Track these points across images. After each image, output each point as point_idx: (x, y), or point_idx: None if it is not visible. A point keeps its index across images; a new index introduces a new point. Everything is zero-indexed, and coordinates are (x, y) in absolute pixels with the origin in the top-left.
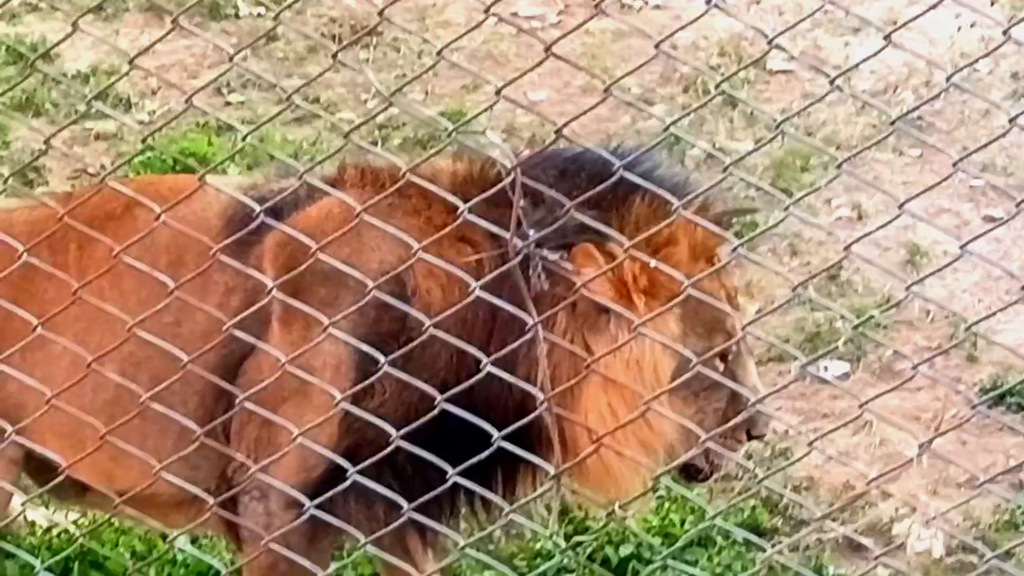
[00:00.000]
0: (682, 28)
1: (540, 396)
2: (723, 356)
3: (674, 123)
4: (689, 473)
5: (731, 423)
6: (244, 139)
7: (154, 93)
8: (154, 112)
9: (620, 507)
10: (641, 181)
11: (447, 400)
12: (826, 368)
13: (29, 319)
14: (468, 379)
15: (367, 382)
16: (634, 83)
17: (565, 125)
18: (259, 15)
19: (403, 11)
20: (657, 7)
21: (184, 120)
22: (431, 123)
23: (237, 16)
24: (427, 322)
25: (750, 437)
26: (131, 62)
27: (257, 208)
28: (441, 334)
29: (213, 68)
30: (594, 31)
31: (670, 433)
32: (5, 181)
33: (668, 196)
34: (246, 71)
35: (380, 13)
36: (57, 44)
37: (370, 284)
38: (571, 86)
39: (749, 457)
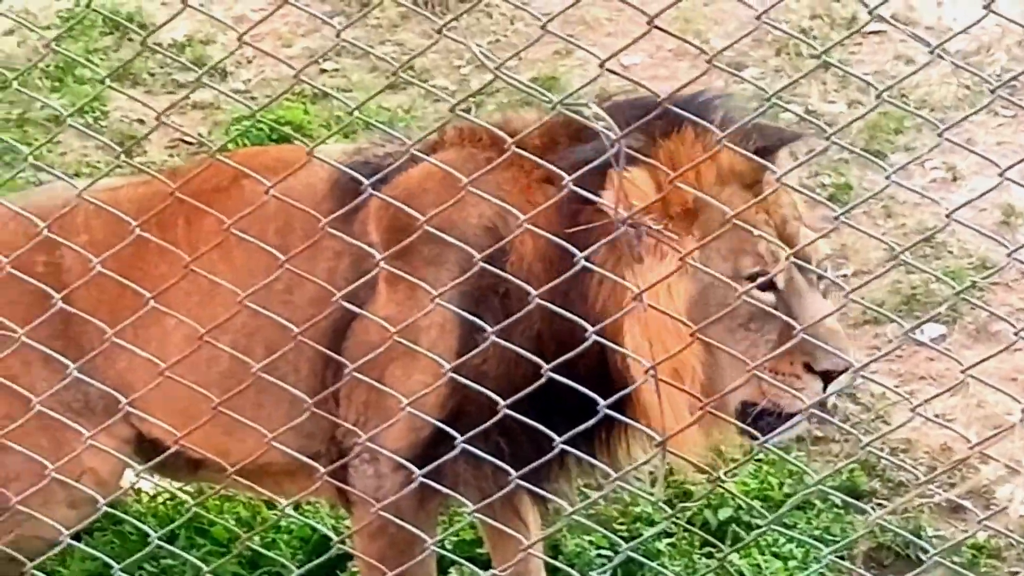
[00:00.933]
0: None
1: (643, 362)
2: (771, 284)
3: (776, 92)
4: (755, 418)
5: (777, 352)
6: (351, 113)
7: (249, 62)
8: (249, 81)
9: (715, 469)
10: (683, 113)
11: (548, 365)
12: (922, 331)
13: (141, 294)
14: (557, 325)
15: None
16: (722, 45)
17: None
18: None
19: None
20: None
21: (279, 88)
22: (531, 93)
23: None
24: (531, 291)
25: (811, 372)
26: (240, 38)
27: (362, 177)
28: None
29: (307, 36)
30: None
31: (699, 359)
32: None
33: (706, 125)
34: (343, 42)
35: None
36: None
37: (470, 241)
38: (663, 49)
39: (846, 420)
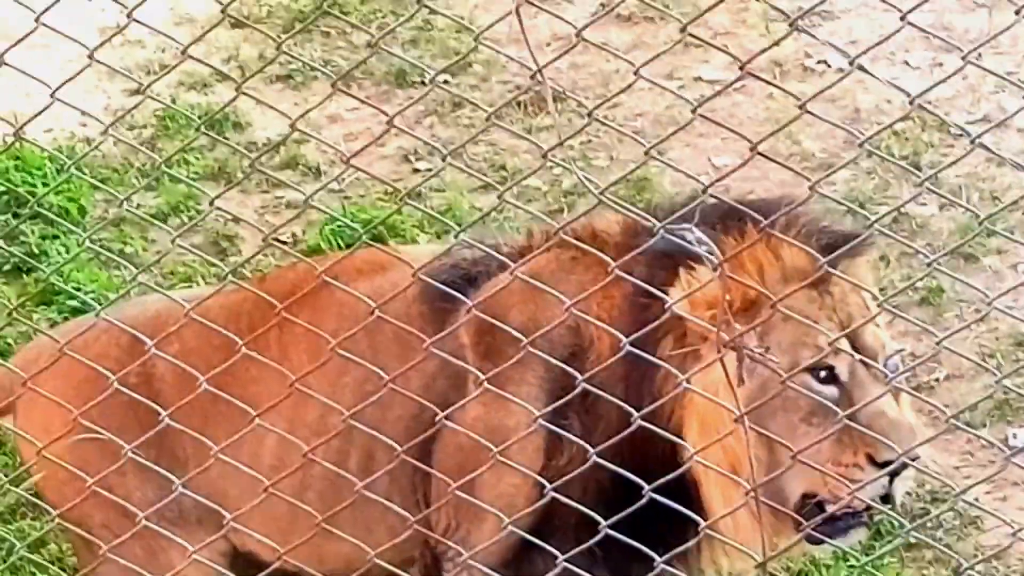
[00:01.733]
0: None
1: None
2: (834, 378)
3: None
4: (815, 515)
5: (821, 438)
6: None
7: (344, 162)
8: (343, 180)
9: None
10: (743, 208)
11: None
12: (1015, 435)
13: (240, 405)
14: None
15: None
16: (817, 147)
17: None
18: (445, 82)
19: (587, 76)
20: (840, 71)
21: (373, 187)
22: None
23: (423, 83)
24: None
25: (873, 463)
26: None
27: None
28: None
29: (400, 136)
30: (776, 96)
31: (759, 455)
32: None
33: (754, 215)
34: (433, 138)
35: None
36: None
37: (554, 341)
38: (755, 150)
39: (939, 526)
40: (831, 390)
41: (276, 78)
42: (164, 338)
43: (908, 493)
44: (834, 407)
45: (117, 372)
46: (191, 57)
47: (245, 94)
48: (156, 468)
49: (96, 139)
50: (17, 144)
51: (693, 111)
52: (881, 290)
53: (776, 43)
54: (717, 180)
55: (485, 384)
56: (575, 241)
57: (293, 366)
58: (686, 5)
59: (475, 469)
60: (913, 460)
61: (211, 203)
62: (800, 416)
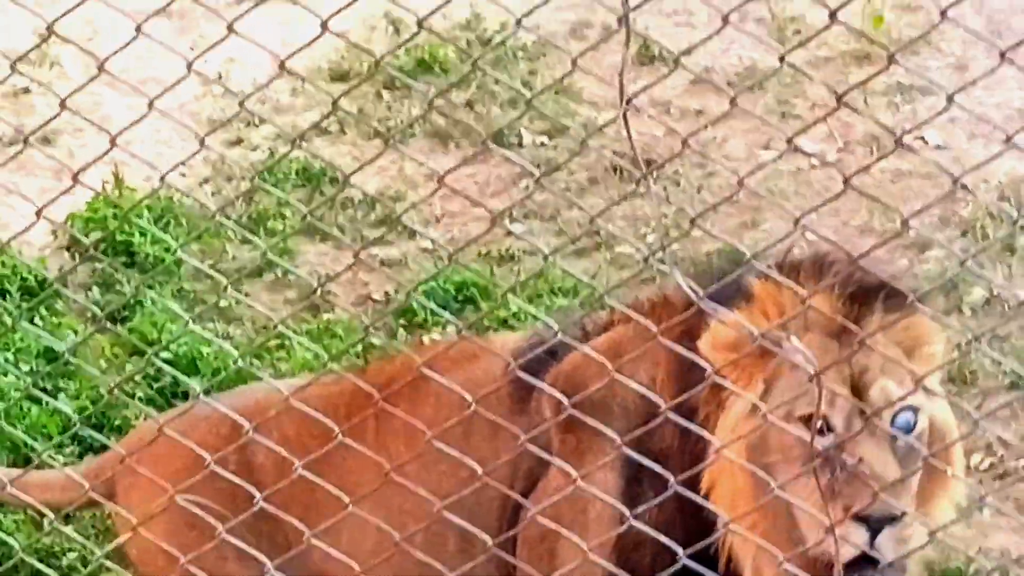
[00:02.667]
0: (975, 168)
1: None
2: (829, 428)
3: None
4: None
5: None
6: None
7: (438, 220)
8: (437, 240)
9: None
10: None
11: None
12: None
13: (335, 492)
14: None
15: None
16: (912, 225)
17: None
18: (542, 144)
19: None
20: (938, 147)
21: (468, 250)
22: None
23: (520, 144)
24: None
25: (854, 517)
26: (439, 180)
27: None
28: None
29: (495, 196)
30: (873, 171)
31: (767, 507)
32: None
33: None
34: (529, 200)
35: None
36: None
37: (631, 410)
38: (849, 226)
39: None
40: (824, 440)
41: (374, 134)
42: (263, 426)
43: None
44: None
45: (217, 461)
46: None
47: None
48: (255, 553)
49: (194, 190)
50: (116, 192)
51: (739, 182)
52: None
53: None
54: (765, 249)
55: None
56: (635, 314)
57: (391, 455)
58: (785, 76)
59: (557, 538)
60: (896, 517)
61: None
62: (797, 467)
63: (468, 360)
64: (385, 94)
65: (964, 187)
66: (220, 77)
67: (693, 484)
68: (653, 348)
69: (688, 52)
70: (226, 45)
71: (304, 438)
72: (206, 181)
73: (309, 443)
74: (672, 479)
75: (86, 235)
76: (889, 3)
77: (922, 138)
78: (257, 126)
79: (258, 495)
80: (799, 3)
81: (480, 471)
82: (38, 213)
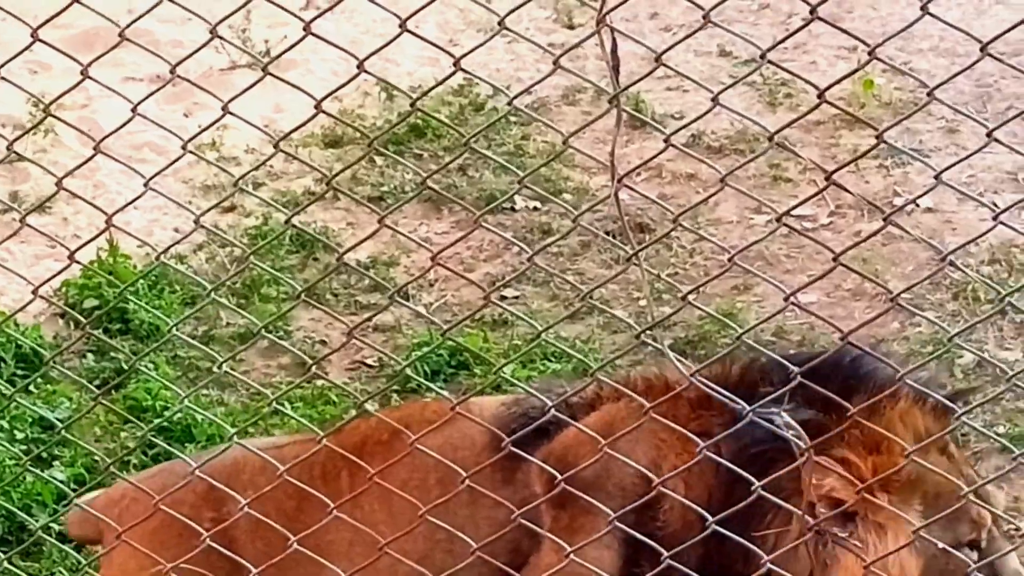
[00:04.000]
0: (972, 241)
1: None
2: (975, 544)
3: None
4: None
5: None
6: (536, 338)
7: (431, 285)
8: (431, 305)
9: None
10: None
11: None
12: None
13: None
14: None
15: None
16: (901, 287)
17: (849, 334)
18: (535, 208)
19: (676, 208)
20: (928, 210)
21: (461, 312)
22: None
23: (513, 209)
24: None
25: None
26: (434, 258)
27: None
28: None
29: (488, 262)
30: (864, 233)
31: None
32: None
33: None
34: (521, 265)
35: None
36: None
37: (627, 489)
38: (841, 289)
39: None
40: (972, 555)
41: (368, 199)
42: (239, 486)
43: None
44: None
45: (193, 518)
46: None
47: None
48: None
49: (188, 256)
50: (111, 260)
51: (730, 259)
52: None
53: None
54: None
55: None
56: (636, 396)
57: (364, 514)
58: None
59: None
60: None
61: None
62: None
63: (447, 422)
64: (378, 159)
65: (953, 264)
66: (214, 144)
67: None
68: (655, 431)
69: (681, 127)
70: (219, 113)
71: (279, 496)
72: (200, 248)
73: (284, 501)
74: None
75: (80, 301)
76: (879, 67)
77: (914, 200)
78: (249, 193)
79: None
80: (790, 66)
81: (474, 545)
82: (35, 292)
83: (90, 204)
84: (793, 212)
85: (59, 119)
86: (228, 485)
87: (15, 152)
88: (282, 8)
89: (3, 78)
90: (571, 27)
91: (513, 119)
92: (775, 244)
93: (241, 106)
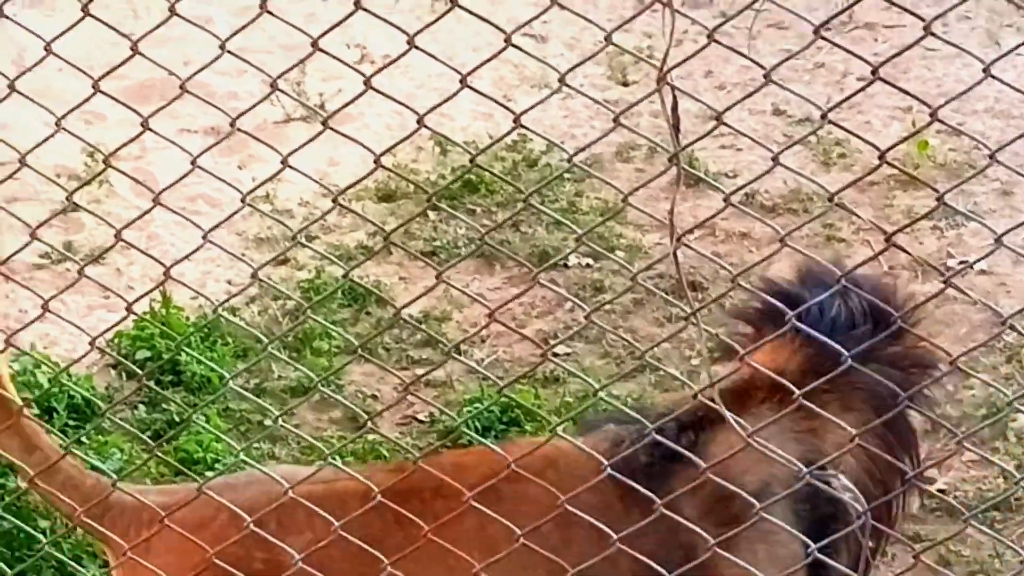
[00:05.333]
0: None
1: None
2: None
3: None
4: None
5: None
6: (595, 394)
7: (483, 341)
8: (483, 361)
9: None
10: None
11: None
12: None
13: None
14: None
15: None
16: (955, 350)
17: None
18: (587, 265)
19: (729, 266)
20: (983, 272)
21: (512, 369)
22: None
23: (566, 266)
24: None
25: None
26: (491, 314)
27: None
28: None
29: (541, 318)
30: (918, 295)
31: None
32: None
33: None
34: (573, 321)
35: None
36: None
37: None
38: None
39: None
40: None
41: (421, 253)
42: (291, 524)
43: None
44: None
45: (238, 557)
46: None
47: None
48: None
49: (241, 308)
50: (164, 311)
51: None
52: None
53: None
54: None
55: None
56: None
57: (460, 563)
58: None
59: None
60: None
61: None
62: None
63: (544, 465)
64: (432, 214)
65: (1013, 327)
66: (268, 197)
67: None
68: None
69: (739, 188)
70: (274, 164)
71: (341, 540)
72: (253, 300)
73: (347, 545)
74: None
75: (133, 353)
76: (934, 128)
77: (966, 261)
78: (304, 246)
79: None
80: (845, 125)
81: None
82: (92, 343)
83: (146, 255)
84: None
85: (117, 170)
86: (279, 524)
87: (72, 202)
88: (339, 61)
89: (63, 128)
90: (625, 84)
91: (567, 176)
92: None
93: (296, 159)
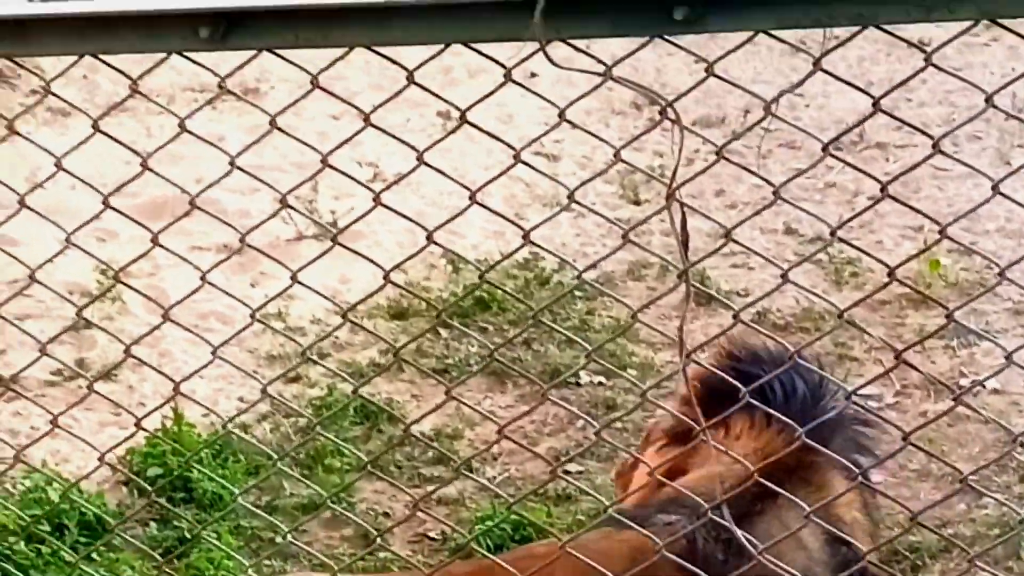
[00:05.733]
0: None
1: None
2: None
3: None
4: None
5: None
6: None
7: (495, 459)
8: (495, 478)
9: None
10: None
11: None
12: None
13: None
14: None
15: None
16: (967, 468)
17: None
18: (599, 383)
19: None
20: (995, 391)
21: (524, 486)
22: None
23: (578, 384)
24: None
25: None
26: (500, 431)
27: None
28: None
29: (552, 435)
30: (930, 413)
31: None
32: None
33: None
34: (585, 439)
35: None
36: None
37: None
38: (907, 469)
39: None
40: None
41: (433, 371)
42: None
43: None
44: None
45: None
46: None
47: None
48: None
49: (253, 425)
50: (175, 428)
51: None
52: None
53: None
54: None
55: None
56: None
57: None
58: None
59: None
60: None
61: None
62: None
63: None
64: (443, 331)
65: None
66: (279, 314)
67: None
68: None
69: (749, 304)
70: (285, 281)
71: None
72: (265, 417)
73: None
74: None
75: (145, 469)
76: (945, 246)
77: (979, 381)
78: (315, 363)
79: None
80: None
81: None
82: (101, 459)
83: (157, 372)
84: (859, 391)
85: (127, 286)
86: None
87: (83, 319)
88: (351, 178)
89: (74, 244)
90: (637, 203)
91: (579, 294)
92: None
93: (307, 276)
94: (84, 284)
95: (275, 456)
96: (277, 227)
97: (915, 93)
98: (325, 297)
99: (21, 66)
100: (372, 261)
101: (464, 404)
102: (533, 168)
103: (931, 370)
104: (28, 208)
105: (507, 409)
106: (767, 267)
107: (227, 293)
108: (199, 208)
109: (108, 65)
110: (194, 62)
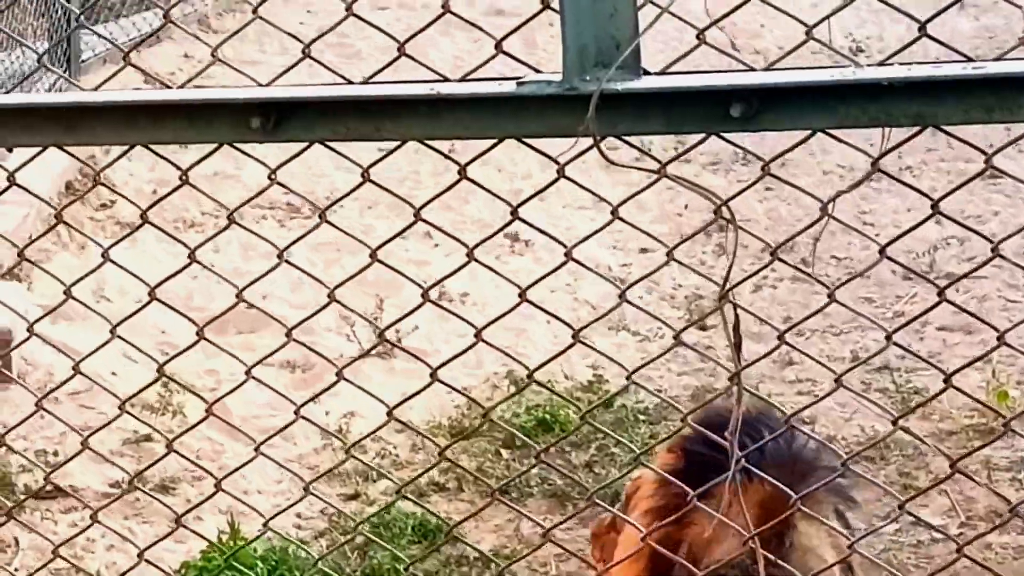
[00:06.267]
0: None
1: None
2: None
3: None
4: None
5: None
6: None
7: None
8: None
9: None
10: None
11: None
12: None
13: None
14: None
15: None
16: None
17: None
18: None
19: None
20: None
21: None
22: None
23: None
24: None
25: None
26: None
27: None
28: None
29: None
30: (994, 545)
31: None
32: None
33: None
34: None
35: None
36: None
37: None
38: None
39: None
40: None
41: (491, 492)
42: None
43: None
44: None
45: None
46: None
47: None
48: None
49: (310, 542)
50: (231, 543)
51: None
52: None
53: None
54: None
55: None
56: None
57: None
58: (907, 446)
59: None
60: None
61: None
62: None
63: None
64: (504, 452)
65: None
66: (340, 431)
67: None
68: None
69: (807, 420)
70: (347, 398)
71: None
72: (322, 535)
73: None
74: None
75: None
76: (1014, 379)
77: None
78: (375, 481)
79: None
80: (924, 377)
81: None
82: (148, 562)
83: (217, 486)
84: (923, 521)
85: (187, 390)
86: None
87: (141, 420)
88: (406, 278)
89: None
90: (704, 328)
91: (642, 417)
92: (903, 553)
93: (368, 393)
94: (145, 398)
95: (332, 574)
96: (342, 344)
97: (986, 225)
98: (389, 416)
99: (98, 182)
100: (441, 380)
101: (526, 517)
102: (596, 272)
103: (995, 501)
104: (94, 313)
105: (566, 531)
106: (834, 395)
107: (297, 411)
108: (268, 313)
109: (172, 164)
110: (246, 154)
